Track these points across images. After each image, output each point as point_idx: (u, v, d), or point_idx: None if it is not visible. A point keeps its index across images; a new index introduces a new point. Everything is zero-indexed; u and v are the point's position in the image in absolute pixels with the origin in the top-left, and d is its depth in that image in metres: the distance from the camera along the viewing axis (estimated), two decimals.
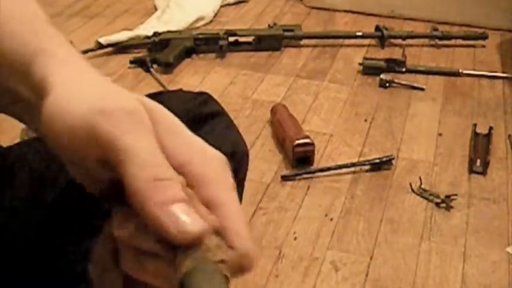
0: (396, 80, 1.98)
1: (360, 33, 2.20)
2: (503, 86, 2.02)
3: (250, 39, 2.16)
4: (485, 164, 1.63)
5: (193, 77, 2.00)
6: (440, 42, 2.22)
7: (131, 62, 2.03)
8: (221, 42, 2.10)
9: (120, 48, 2.10)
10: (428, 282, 1.30)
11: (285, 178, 1.56)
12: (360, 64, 2.05)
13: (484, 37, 2.22)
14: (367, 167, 1.61)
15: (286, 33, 2.17)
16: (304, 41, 2.20)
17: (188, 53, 2.10)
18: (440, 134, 1.77)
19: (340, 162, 1.60)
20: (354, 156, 1.65)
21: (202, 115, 0.75)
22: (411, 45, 2.20)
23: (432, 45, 2.23)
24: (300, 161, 1.58)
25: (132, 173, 0.36)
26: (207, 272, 0.36)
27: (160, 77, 1.97)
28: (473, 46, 2.24)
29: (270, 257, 1.34)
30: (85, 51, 2.03)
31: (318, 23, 2.38)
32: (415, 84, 1.98)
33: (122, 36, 2.12)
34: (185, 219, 0.36)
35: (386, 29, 2.21)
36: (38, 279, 0.63)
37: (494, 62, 2.15)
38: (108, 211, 0.40)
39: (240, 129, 0.81)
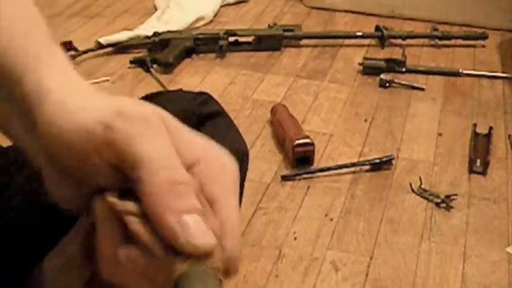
0: (396, 80, 1.98)
1: (360, 33, 2.20)
2: (503, 86, 2.02)
3: (250, 39, 2.16)
4: (485, 164, 1.63)
5: (193, 77, 2.00)
6: (440, 42, 2.22)
7: (131, 62, 2.03)
8: (221, 42, 2.10)
9: (120, 48, 2.10)
10: (428, 282, 1.30)
11: (285, 178, 1.56)
12: (360, 64, 2.05)
13: (484, 37, 2.22)
14: (367, 167, 1.61)
15: (286, 33, 2.17)
16: (304, 41, 2.20)
17: (188, 53, 2.10)
18: (440, 134, 1.77)
19: (340, 162, 1.60)
20: (354, 156, 1.65)
21: (203, 115, 0.75)
22: (411, 45, 2.20)
23: (432, 45, 2.23)
24: (300, 161, 1.58)
25: (149, 175, 0.37)
26: (202, 275, 0.36)
27: (160, 77, 1.96)
28: (473, 46, 2.24)
29: (270, 257, 1.34)
30: (85, 51, 2.03)
31: (318, 23, 2.38)
32: (415, 84, 1.98)
33: (122, 36, 2.12)
34: (198, 233, 0.36)
35: (386, 29, 2.21)
36: None
37: (494, 62, 2.15)
38: None
39: (240, 129, 0.81)
